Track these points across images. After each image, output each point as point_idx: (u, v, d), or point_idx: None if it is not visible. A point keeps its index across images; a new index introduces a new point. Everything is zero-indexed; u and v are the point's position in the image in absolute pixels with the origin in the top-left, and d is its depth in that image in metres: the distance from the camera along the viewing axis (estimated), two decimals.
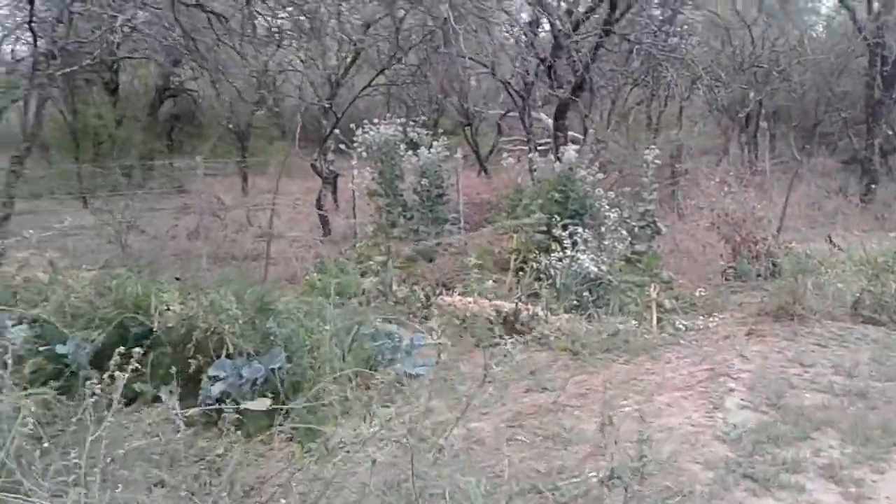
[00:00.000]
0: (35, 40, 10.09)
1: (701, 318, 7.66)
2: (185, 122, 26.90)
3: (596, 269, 7.52)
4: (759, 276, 9.20)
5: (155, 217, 15.79)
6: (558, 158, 9.12)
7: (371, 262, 9.39)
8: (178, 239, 12.61)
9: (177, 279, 6.58)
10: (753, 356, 6.43)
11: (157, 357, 5.05)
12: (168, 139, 25.54)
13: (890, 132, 17.78)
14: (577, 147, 21.25)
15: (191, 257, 11.26)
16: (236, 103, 18.89)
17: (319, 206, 12.18)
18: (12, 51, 16.83)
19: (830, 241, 10.56)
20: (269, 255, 7.55)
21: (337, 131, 11.15)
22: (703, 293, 8.32)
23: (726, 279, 9.25)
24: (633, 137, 17.59)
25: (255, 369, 4.30)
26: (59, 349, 4.98)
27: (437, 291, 8.52)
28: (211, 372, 4.39)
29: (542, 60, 10.60)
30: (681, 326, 7.39)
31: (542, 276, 8.32)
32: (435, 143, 9.33)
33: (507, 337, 7.01)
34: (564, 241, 8.10)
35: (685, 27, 17.03)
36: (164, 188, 21.06)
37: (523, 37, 12.97)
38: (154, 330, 5.02)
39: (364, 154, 9.56)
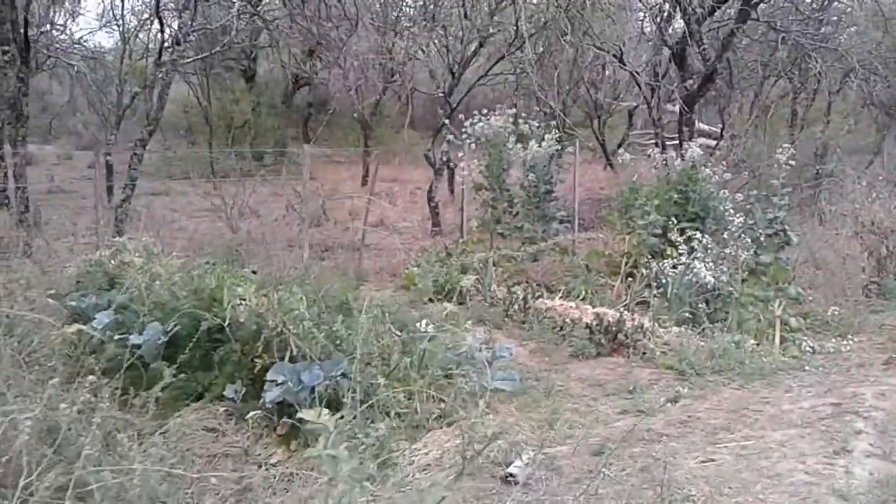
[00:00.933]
0: (162, 28, 10.34)
1: (832, 340, 6.79)
2: (318, 111, 27.51)
3: (713, 279, 6.81)
4: None
5: (276, 202, 16.15)
6: (681, 155, 8.39)
7: (474, 259, 9.04)
8: (291, 226, 12.72)
9: (253, 272, 6.40)
10: (891, 391, 5.57)
11: (226, 353, 4.90)
12: (304, 127, 26.13)
13: None
14: (709, 143, 20.10)
15: (296, 245, 11.31)
16: (362, 91, 19.03)
17: (431, 198, 11.91)
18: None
19: None
20: (362, 249, 7.32)
21: (446, 121, 10.83)
22: (837, 311, 7.41)
23: (867, 296, 8.25)
24: (774, 133, 16.30)
25: (315, 376, 4.02)
26: (134, 339, 4.91)
27: (538, 293, 8.05)
28: (270, 375, 4.15)
29: (672, 49, 9.79)
30: (807, 349, 6.57)
31: (653, 283, 7.68)
32: (546, 137, 8.81)
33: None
34: (680, 247, 7.42)
35: (842, 16, 15.58)
36: (291, 174, 21.66)
37: (654, 24, 12.12)
38: (225, 325, 4.85)
39: (473, 146, 9.18)
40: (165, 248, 9.09)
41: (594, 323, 6.83)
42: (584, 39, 11.40)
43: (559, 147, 8.76)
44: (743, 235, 7.00)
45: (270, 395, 4.05)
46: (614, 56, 12.28)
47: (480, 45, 13.91)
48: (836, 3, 15.97)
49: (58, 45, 18.28)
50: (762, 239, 6.86)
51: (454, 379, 4.88)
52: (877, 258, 8.39)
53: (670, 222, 7.69)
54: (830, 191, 11.59)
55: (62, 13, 19.41)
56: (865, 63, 14.37)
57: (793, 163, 6.81)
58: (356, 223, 13.46)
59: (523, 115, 9.24)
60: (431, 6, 14.61)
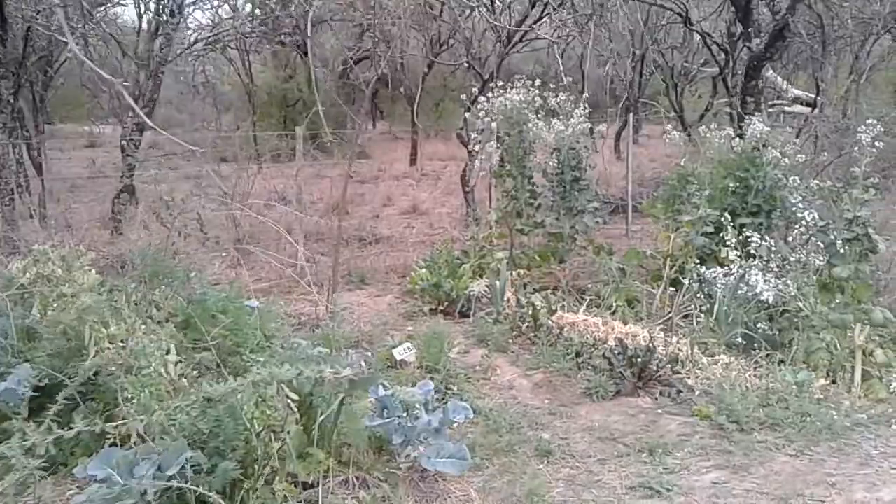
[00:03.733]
0: None
1: None
2: (381, 87, 26.37)
3: (772, 295, 5.25)
4: None
5: (317, 185, 15.08)
6: (740, 134, 6.74)
7: (493, 258, 7.68)
8: (319, 212, 11.59)
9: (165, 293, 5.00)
10: None
11: (85, 416, 3.73)
12: (371, 105, 25.01)
13: None
14: (805, 110, 17.83)
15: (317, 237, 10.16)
16: (408, 65, 17.69)
17: (465, 182, 10.55)
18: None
19: None
20: (338, 245, 6.05)
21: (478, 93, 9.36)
22: None
23: None
24: (875, 101, 14.08)
25: (143, 468, 2.82)
26: None
27: (561, 304, 6.63)
28: (90, 467, 2.96)
29: (735, 2, 8.05)
30: None
31: (701, 293, 6.15)
32: (576, 112, 7.29)
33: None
34: (731, 251, 5.88)
35: None
36: (344, 153, 20.58)
37: None
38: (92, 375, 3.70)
39: (494, 125, 7.78)
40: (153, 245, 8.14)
41: (616, 350, 5.38)
42: None
43: (590, 125, 7.22)
44: (814, 238, 5.37)
45: (78, 498, 2.85)
46: (678, 14, 10.54)
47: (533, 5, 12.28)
48: None
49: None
50: (839, 245, 5.20)
51: (383, 455, 3.60)
52: None
53: (724, 218, 6.11)
54: None
55: None
56: None
57: (880, 144, 5.07)
58: (387, 211, 12.29)
59: (552, 86, 7.73)
60: None
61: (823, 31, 14.94)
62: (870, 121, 4.96)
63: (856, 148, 5.31)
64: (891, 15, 14.02)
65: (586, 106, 7.36)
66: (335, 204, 12.21)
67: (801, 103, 20.31)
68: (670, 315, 6.39)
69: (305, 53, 23.96)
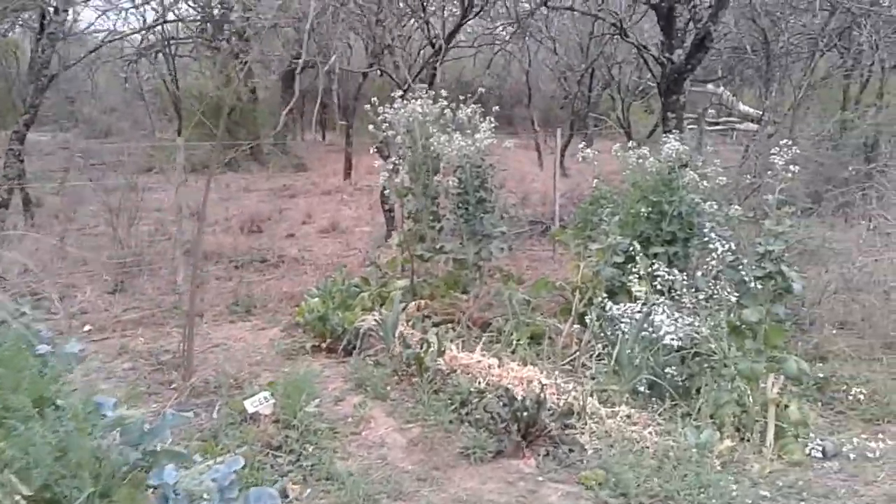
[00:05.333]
0: None
1: (859, 437, 4.53)
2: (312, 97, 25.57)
3: (678, 338, 4.61)
4: None
5: (246, 199, 14.24)
6: (658, 153, 6.10)
7: (394, 286, 6.96)
8: (231, 231, 10.75)
9: None
10: None
11: None
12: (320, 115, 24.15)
13: None
14: (752, 127, 17.42)
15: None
16: (345, 76, 16.91)
17: (384, 199, 9.82)
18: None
19: None
20: (196, 266, 5.26)
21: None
22: (867, 380, 5.14)
23: None
24: (822, 117, 13.64)
25: None
26: None
27: (462, 339, 5.94)
28: None
29: (655, 6, 7.38)
30: (816, 453, 4.34)
31: (606, 332, 5.49)
32: (482, 126, 6.59)
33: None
34: (635, 286, 5.24)
35: None
36: (281, 164, 19.70)
37: None
38: None
39: (399, 138, 7.07)
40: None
41: (501, 402, 4.69)
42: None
43: (493, 140, 6.51)
44: (721, 276, 4.72)
45: None
46: (613, 24, 9.96)
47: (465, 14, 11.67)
48: None
49: None
50: (751, 283, 4.54)
51: None
52: None
53: (633, 247, 5.47)
54: (884, 192, 9.07)
55: None
56: None
57: (794, 168, 4.40)
58: (305, 229, 11.50)
59: (462, 97, 7.02)
60: None
61: (768, 46, 14.57)
62: (784, 141, 4.32)
63: (769, 172, 4.68)
64: (835, 31, 13.67)
65: (492, 120, 6.66)
66: (250, 220, 11.44)
67: (751, 120, 20.01)
68: (577, 354, 5.74)
69: (237, 57, 23.15)
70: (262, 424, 4.67)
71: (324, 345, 6.18)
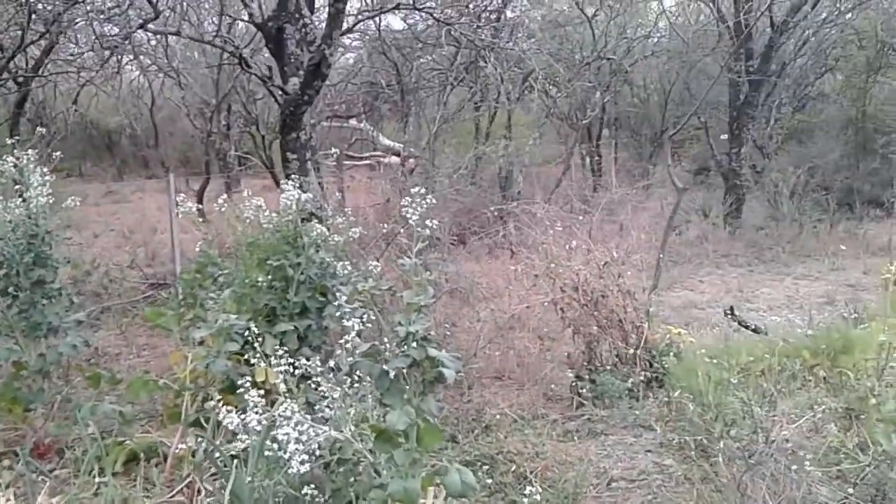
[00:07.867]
0: None
1: None
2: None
3: (301, 462, 3.38)
4: (631, 393, 5.44)
5: None
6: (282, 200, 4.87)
7: None
8: None
9: None
10: None
11: None
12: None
13: (759, 139, 14.94)
14: (396, 160, 17.29)
15: None
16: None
17: None
18: None
19: (732, 315, 6.98)
20: None
21: None
22: (536, 453, 4.42)
23: (579, 403, 5.44)
24: (461, 151, 13.72)
25: None
26: None
27: (19, 483, 4.12)
28: None
29: (262, 27, 6.22)
30: None
31: (222, 448, 4.10)
32: (35, 178, 4.81)
33: None
34: (261, 377, 3.95)
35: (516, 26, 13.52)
36: None
37: None
38: None
39: None
40: None
41: None
42: None
43: (52, 201, 4.79)
44: (357, 367, 3.63)
45: None
46: (230, 54, 8.65)
47: None
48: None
49: None
50: (392, 376, 3.52)
51: None
52: (586, 341, 5.61)
53: (251, 328, 4.14)
54: (522, 225, 8.92)
55: None
56: (545, 68, 12.27)
57: (433, 223, 3.46)
58: None
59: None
60: None
61: (401, 79, 14.46)
62: (416, 189, 3.38)
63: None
64: (462, 65, 13.94)
65: (46, 171, 4.91)
66: None
67: (396, 153, 19.99)
68: (190, 480, 4.26)
69: None
70: None
71: None
